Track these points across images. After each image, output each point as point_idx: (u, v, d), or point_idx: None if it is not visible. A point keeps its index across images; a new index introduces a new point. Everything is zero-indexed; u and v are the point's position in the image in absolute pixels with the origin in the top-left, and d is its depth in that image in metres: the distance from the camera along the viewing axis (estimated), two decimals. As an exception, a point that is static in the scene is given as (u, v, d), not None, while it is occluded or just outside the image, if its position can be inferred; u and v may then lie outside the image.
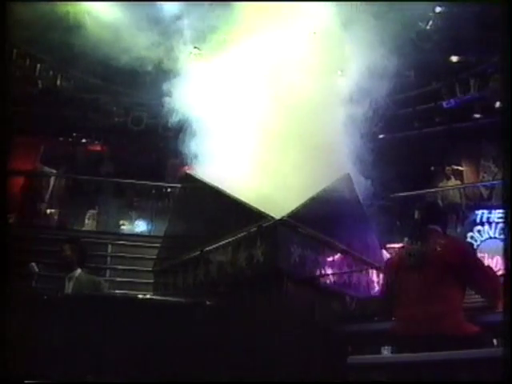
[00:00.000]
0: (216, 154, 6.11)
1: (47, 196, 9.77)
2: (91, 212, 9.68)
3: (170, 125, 9.60)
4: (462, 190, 9.66)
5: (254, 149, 6.00)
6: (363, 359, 3.40)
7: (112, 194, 9.79)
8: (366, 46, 6.04)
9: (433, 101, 9.90)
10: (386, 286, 3.51)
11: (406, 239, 8.57)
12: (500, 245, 6.93)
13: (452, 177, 9.98)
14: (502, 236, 7.64)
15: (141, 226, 9.96)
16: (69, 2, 7.81)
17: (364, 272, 5.38)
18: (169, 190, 9.96)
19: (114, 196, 9.86)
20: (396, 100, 9.65)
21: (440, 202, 9.58)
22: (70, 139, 11.10)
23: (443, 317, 3.02)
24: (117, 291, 6.69)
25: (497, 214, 8.10)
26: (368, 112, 6.57)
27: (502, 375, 2.59)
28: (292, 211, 4.45)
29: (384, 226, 6.75)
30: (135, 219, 10.05)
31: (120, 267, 8.04)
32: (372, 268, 5.53)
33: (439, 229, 3.35)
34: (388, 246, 7.47)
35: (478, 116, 9.68)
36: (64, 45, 8.10)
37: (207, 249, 4.96)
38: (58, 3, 7.70)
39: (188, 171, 5.96)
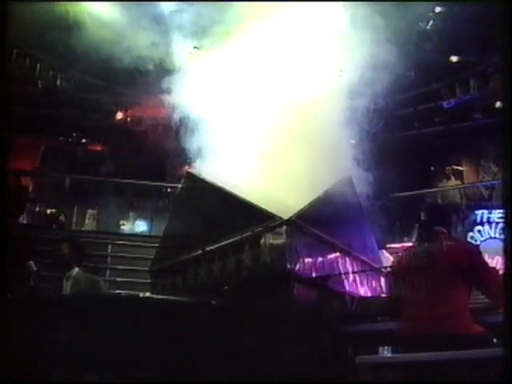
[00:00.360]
0: (216, 153, 6.10)
1: (47, 196, 9.77)
2: (91, 212, 9.69)
3: (170, 124, 9.64)
4: (461, 189, 9.66)
5: (254, 148, 6.00)
6: (371, 359, 3.43)
7: (112, 193, 9.79)
8: (366, 46, 6.03)
9: (433, 101, 9.90)
10: (393, 286, 3.53)
11: (405, 239, 8.64)
12: (500, 245, 6.92)
13: (452, 177, 9.99)
14: (502, 236, 7.64)
15: (141, 226, 9.97)
16: (69, 2, 7.81)
17: (366, 273, 5.39)
18: (169, 189, 9.96)
19: (114, 196, 9.86)
20: (396, 100, 9.66)
21: (440, 201, 9.61)
22: (70, 139, 11.11)
23: (450, 317, 3.06)
24: (117, 291, 6.68)
25: (497, 214, 8.10)
26: (368, 112, 6.57)
27: (502, 375, 2.60)
28: (299, 211, 4.42)
29: (384, 226, 6.75)
30: (135, 219, 10.05)
31: (120, 267, 8.04)
32: (372, 269, 5.54)
33: (444, 230, 3.39)
34: (388, 246, 7.47)
35: (478, 116, 9.68)
36: (64, 45, 8.09)
37: (209, 248, 4.93)
38: (58, 3, 7.70)
39: (189, 170, 5.93)
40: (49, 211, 9.69)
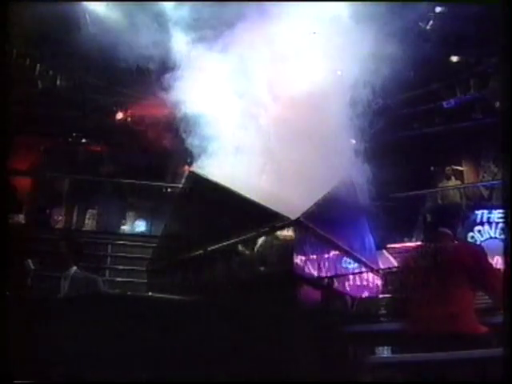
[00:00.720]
0: (217, 153, 6.10)
1: (47, 196, 9.77)
2: (91, 212, 9.68)
3: (171, 124, 9.63)
4: (461, 189, 9.66)
5: (256, 148, 6.01)
6: (378, 359, 3.45)
7: (112, 193, 9.79)
8: (366, 46, 6.03)
9: (433, 101, 9.89)
10: (399, 286, 3.59)
11: (405, 239, 8.64)
12: (500, 245, 6.92)
13: (452, 177, 9.98)
14: (502, 236, 7.64)
15: (141, 226, 9.96)
16: (69, 2, 7.81)
17: (368, 273, 5.42)
18: (169, 189, 9.96)
19: (114, 196, 9.85)
20: (396, 100, 9.66)
21: (445, 203, 9.60)
22: (70, 139, 11.09)
23: (456, 317, 3.12)
24: (117, 291, 6.66)
25: (497, 214, 8.09)
26: (368, 112, 6.56)
27: (502, 375, 2.60)
28: (305, 212, 4.42)
29: (384, 226, 6.74)
30: (135, 219, 10.05)
31: (120, 267, 8.03)
32: (377, 270, 5.58)
33: (449, 232, 3.44)
34: (388, 246, 7.47)
35: (478, 116, 9.67)
36: (64, 45, 8.10)
37: (211, 248, 4.91)
38: (58, 3, 7.69)
39: (192, 169, 5.91)
40: (48, 211, 9.68)
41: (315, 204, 4.59)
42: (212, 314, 3.69)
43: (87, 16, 7.92)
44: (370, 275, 5.54)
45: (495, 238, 7.93)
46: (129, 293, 4.02)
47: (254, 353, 3.70)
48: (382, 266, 6.39)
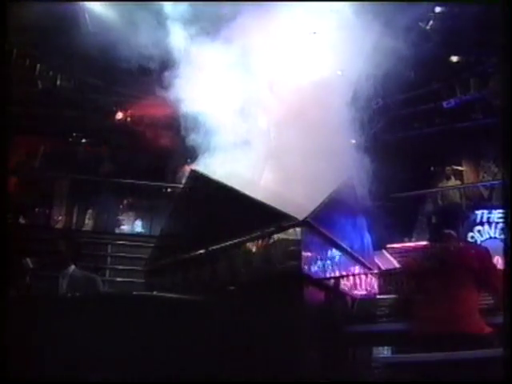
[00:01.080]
0: (217, 152, 6.10)
1: (47, 196, 9.77)
2: (91, 212, 9.68)
3: (171, 124, 9.63)
4: (461, 190, 9.66)
5: (256, 147, 6.01)
6: (384, 359, 3.48)
7: (112, 193, 9.79)
8: (366, 46, 6.03)
9: (433, 101, 9.89)
10: (406, 287, 3.65)
11: (405, 239, 8.63)
12: (500, 245, 6.91)
13: (452, 177, 9.98)
14: (502, 236, 7.64)
15: (141, 226, 9.96)
16: (69, 2, 7.81)
17: (368, 274, 5.44)
18: (169, 189, 9.97)
19: (114, 196, 9.86)
20: (396, 100, 9.66)
21: (440, 201, 9.61)
22: (70, 139, 11.10)
23: (463, 318, 3.18)
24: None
25: (497, 214, 8.08)
26: (368, 112, 6.56)
27: (502, 375, 2.61)
28: (312, 212, 4.41)
29: (384, 226, 6.74)
30: (135, 219, 10.05)
31: (120, 267, 8.04)
32: (382, 271, 5.61)
33: (454, 233, 3.49)
34: (388, 246, 7.47)
35: (478, 116, 9.67)
36: (64, 45, 8.10)
37: (213, 248, 4.88)
38: (58, 3, 7.69)
39: (193, 168, 5.87)
40: (48, 211, 9.68)
41: (321, 204, 4.58)
42: (218, 313, 3.69)
43: (87, 16, 7.92)
44: (374, 276, 5.54)
45: (495, 238, 7.93)
46: (135, 292, 3.99)
47: (259, 353, 3.71)
48: (382, 267, 6.40)
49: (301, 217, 4.27)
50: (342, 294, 4.62)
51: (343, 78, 6.16)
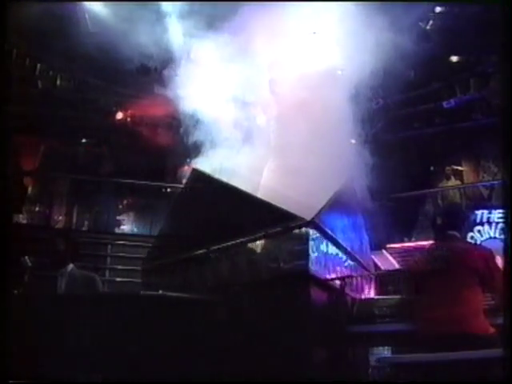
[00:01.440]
0: (217, 151, 6.10)
1: (47, 196, 9.77)
2: (91, 212, 9.67)
3: (171, 123, 9.64)
4: (461, 189, 9.66)
5: (255, 146, 6.01)
6: (386, 359, 3.56)
7: (112, 193, 9.79)
8: (366, 46, 6.03)
9: (433, 101, 9.89)
10: (411, 288, 3.66)
11: (405, 239, 8.61)
12: (500, 245, 6.92)
13: (452, 177, 9.98)
14: (502, 236, 7.64)
15: (141, 226, 9.96)
16: (69, 2, 7.81)
17: (369, 276, 5.46)
18: (169, 189, 9.97)
19: (114, 196, 9.86)
20: (396, 100, 9.66)
21: (440, 201, 9.61)
22: (70, 139, 11.09)
23: (468, 318, 3.23)
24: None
25: (497, 214, 8.09)
26: (368, 112, 6.56)
27: (502, 375, 2.62)
28: (318, 212, 4.40)
29: (384, 226, 6.75)
30: (135, 219, 10.05)
31: (120, 267, 8.03)
32: (387, 272, 5.63)
33: (458, 234, 3.55)
34: (388, 246, 7.47)
35: (478, 116, 9.68)
36: (64, 45, 8.10)
37: (215, 247, 4.86)
38: (58, 3, 7.69)
39: (195, 167, 5.84)
40: (48, 211, 9.67)
41: (326, 204, 4.57)
42: (224, 313, 3.69)
43: (87, 16, 7.91)
44: (377, 276, 5.55)
45: (495, 238, 7.93)
46: (142, 292, 3.97)
47: (264, 352, 3.72)
48: (382, 267, 6.40)
49: (306, 217, 4.26)
50: (347, 295, 4.63)
51: (343, 77, 6.15)
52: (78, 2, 7.92)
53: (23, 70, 9.05)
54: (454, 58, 9.28)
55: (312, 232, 4.27)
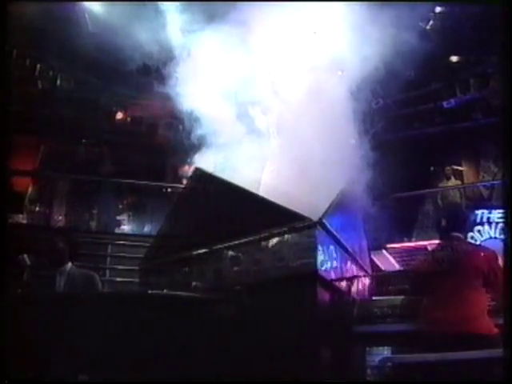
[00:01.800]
0: (218, 151, 6.10)
1: (47, 196, 9.77)
2: (91, 212, 9.67)
3: (172, 122, 9.64)
4: (461, 190, 9.66)
5: (255, 147, 6.01)
6: (387, 359, 3.57)
7: (112, 193, 9.79)
8: (366, 46, 6.03)
9: (433, 101, 9.89)
10: (416, 289, 3.72)
11: (405, 239, 8.60)
12: (500, 245, 6.92)
13: (452, 177, 9.99)
14: (502, 236, 7.64)
15: (140, 226, 9.95)
16: (69, 2, 7.81)
17: (374, 276, 5.49)
18: (169, 189, 9.97)
19: (114, 196, 9.86)
20: (396, 100, 9.65)
21: (440, 201, 9.61)
22: (70, 139, 11.09)
23: (474, 319, 3.28)
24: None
25: (497, 214, 8.09)
26: (368, 112, 6.56)
27: (503, 375, 2.62)
28: (325, 213, 4.40)
29: (384, 226, 6.74)
30: (135, 219, 10.04)
31: (120, 267, 8.03)
32: (393, 272, 5.65)
33: (461, 236, 3.64)
34: (388, 246, 7.47)
35: (478, 116, 9.67)
36: (64, 45, 8.10)
37: (218, 247, 4.83)
38: (58, 3, 7.69)
39: (198, 166, 5.82)
40: (48, 211, 9.67)
41: (331, 204, 4.57)
42: (230, 312, 3.69)
43: (87, 16, 7.91)
44: (382, 276, 5.57)
45: (495, 238, 7.93)
46: (150, 291, 3.95)
47: (269, 353, 3.72)
48: (382, 267, 6.40)
49: (311, 217, 4.26)
50: (353, 296, 4.64)
51: (344, 77, 6.15)
52: (78, 2, 7.92)
53: (23, 69, 9.04)
54: (454, 58, 9.28)
55: (319, 232, 4.27)
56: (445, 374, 3.09)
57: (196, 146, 6.33)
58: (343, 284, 4.59)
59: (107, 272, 8.07)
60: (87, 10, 7.94)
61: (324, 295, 4.26)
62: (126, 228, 9.87)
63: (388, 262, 6.66)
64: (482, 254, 3.51)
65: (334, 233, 4.60)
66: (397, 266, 6.67)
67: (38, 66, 9.30)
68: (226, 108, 6.38)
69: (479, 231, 8.14)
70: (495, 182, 9.16)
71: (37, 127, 9.82)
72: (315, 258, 4.15)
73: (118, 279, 7.79)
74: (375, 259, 6.46)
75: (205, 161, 6.06)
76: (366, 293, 5.22)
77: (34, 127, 9.61)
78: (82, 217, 9.61)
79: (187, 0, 7.05)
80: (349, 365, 4.11)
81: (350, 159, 5.67)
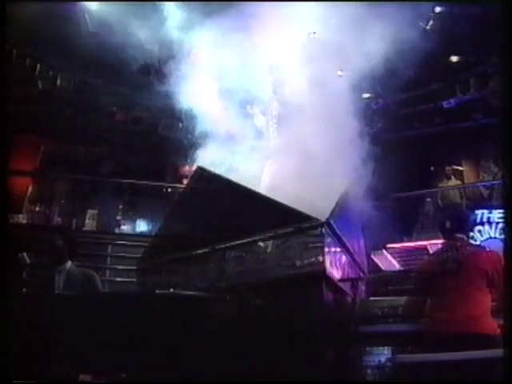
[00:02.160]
0: (218, 150, 6.10)
1: (47, 196, 9.77)
2: (91, 212, 9.67)
3: (171, 124, 9.64)
4: (461, 190, 9.66)
5: (255, 147, 6.01)
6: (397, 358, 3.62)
7: (112, 193, 9.79)
8: (366, 46, 6.04)
9: (433, 101, 9.89)
10: (421, 289, 3.72)
11: (405, 239, 8.59)
12: (500, 245, 6.92)
13: (452, 177, 9.99)
14: (502, 236, 7.64)
15: (141, 226, 9.95)
16: (69, 2, 7.81)
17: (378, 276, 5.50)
18: (169, 189, 9.97)
19: (114, 196, 9.85)
20: (396, 100, 9.66)
21: (440, 201, 9.61)
22: (70, 139, 11.09)
23: (478, 319, 3.33)
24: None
25: (497, 214, 8.09)
26: (368, 112, 6.56)
27: (503, 375, 2.63)
28: (331, 213, 4.40)
29: (384, 226, 6.74)
30: (135, 219, 10.04)
31: (120, 267, 8.02)
32: (399, 272, 5.65)
33: (465, 237, 3.71)
34: (388, 246, 7.47)
35: (478, 116, 9.67)
36: (64, 45, 8.10)
37: (220, 246, 4.82)
38: (58, 3, 7.69)
39: (200, 165, 5.81)
40: (48, 211, 9.66)
41: (336, 205, 4.57)
42: (239, 312, 3.68)
43: (87, 16, 7.92)
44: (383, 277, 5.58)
45: (495, 238, 7.94)
46: (157, 291, 3.94)
47: (273, 353, 3.72)
48: (382, 266, 6.41)
49: (318, 217, 4.26)
50: (354, 295, 4.64)
51: (344, 77, 6.16)
52: (78, 2, 7.92)
53: (23, 70, 9.04)
54: (454, 58, 9.28)
55: (326, 232, 4.27)
56: (446, 374, 3.11)
57: (196, 146, 6.33)
58: (346, 284, 4.60)
59: (107, 272, 8.07)
60: (87, 9, 7.94)
61: (329, 295, 4.27)
62: (125, 228, 9.87)
63: (388, 261, 6.66)
64: (486, 255, 3.56)
65: (339, 233, 4.60)
66: (397, 266, 6.67)
67: (38, 65, 9.29)
68: (226, 107, 6.39)
69: (479, 231, 8.14)
70: (495, 182, 9.16)
71: (37, 127, 9.82)
72: (323, 258, 4.16)
73: (118, 279, 7.78)
74: (375, 259, 6.46)
75: (205, 160, 6.06)
76: (367, 293, 5.22)
77: (33, 127, 9.61)
78: (82, 217, 9.60)
79: (187, 0, 7.06)
80: (349, 365, 4.11)
81: (350, 159, 5.67)
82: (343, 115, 5.89)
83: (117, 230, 9.53)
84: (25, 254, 4.49)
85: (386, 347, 4.03)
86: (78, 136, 11.03)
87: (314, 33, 6.23)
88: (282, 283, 4.28)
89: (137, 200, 10.17)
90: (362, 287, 5.25)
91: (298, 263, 4.25)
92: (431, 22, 8.07)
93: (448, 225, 3.72)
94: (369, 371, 4.03)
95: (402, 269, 6.46)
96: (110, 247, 8.38)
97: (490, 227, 8.09)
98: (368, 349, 4.06)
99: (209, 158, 6.08)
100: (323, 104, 5.77)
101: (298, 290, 4.18)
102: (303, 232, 4.31)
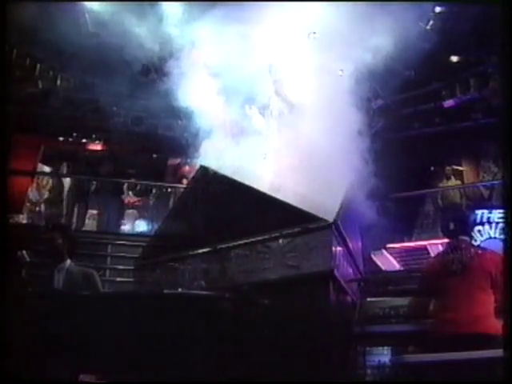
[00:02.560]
0: (219, 150, 6.10)
1: (47, 196, 9.77)
2: (91, 212, 9.67)
3: (171, 124, 9.63)
4: (461, 190, 9.66)
5: (255, 147, 6.01)
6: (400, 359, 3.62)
7: (112, 193, 9.79)
8: (366, 45, 6.04)
9: (433, 101, 9.89)
10: (426, 289, 3.78)
11: (405, 239, 8.59)
12: (500, 245, 6.92)
13: (452, 177, 9.98)
14: (502, 236, 7.64)
15: (141, 226, 9.95)
16: (68, 2, 7.81)
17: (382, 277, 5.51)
18: (169, 189, 9.97)
19: (114, 196, 9.86)
20: (396, 100, 9.66)
21: (440, 201, 9.61)
22: (70, 139, 11.09)
23: (483, 319, 3.39)
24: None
25: (497, 214, 8.09)
26: (368, 112, 6.56)
27: (503, 375, 2.64)
28: (338, 213, 4.40)
29: (384, 226, 6.74)
30: (135, 219, 10.04)
31: (120, 267, 8.02)
32: (402, 273, 5.68)
33: (468, 239, 3.75)
34: (388, 246, 7.47)
35: (478, 116, 9.67)
36: (64, 45, 8.09)
37: (223, 246, 4.81)
38: (58, 3, 7.69)
39: (203, 164, 5.80)
40: (48, 211, 9.67)
41: (341, 205, 4.57)
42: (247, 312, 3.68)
43: (87, 16, 7.92)
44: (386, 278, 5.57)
45: (495, 238, 7.93)
46: (165, 291, 3.93)
47: (279, 354, 3.73)
48: (382, 266, 6.41)
49: (327, 217, 4.26)
50: (356, 296, 4.65)
51: (344, 77, 6.15)
52: (78, 2, 7.93)
53: (23, 70, 9.04)
54: (454, 58, 9.29)
55: (333, 233, 4.27)
56: (447, 374, 3.13)
57: (196, 145, 6.33)
58: (349, 285, 4.61)
59: (107, 272, 8.06)
60: (87, 9, 7.94)
61: (335, 296, 4.27)
62: (126, 228, 9.87)
63: (388, 261, 6.66)
64: (490, 256, 3.61)
65: (344, 234, 4.61)
66: (397, 266, 6.68)
67: (38, 66, 9.30)
68: (226, 106, 6.39)
69: (479, 231, 8.13)
70: (495, 182, 9.15)
71: (37, 127, 9.82)
72: (330, 258, 4.16)
73: (118, 279, 7.78)
74: (375, 259, 6.47)
75: (205, 160, 6.06)
76: (368, 293, 5.21)
77: (33, 127, 9.61)
78: (82, 217, 9.60)
79: (188, 0, 7.05)
80: (352, 365, 4.12)
81: (350, 159, 5.67)
82: (343, 115, 5.89)
83: (117, 230, 9.53)
84: (24, 252, 4.47)
85: (383, 347, 4.05)
86: (78, 136, 11.05)
87: (314, 33, 6.23)
88: (287, 283, 4.28)
89: (137, 200, 10.18)
90: (364, 287, 5.25)
91: (303, 263, 4.25)
92: (431, 22, 8.07)
93: (452, 226, 3.77)
94: (369, 371, 4.05)
95: (402, 269, 6.46)
96: (109, 247, 8.37)
97: (490, 227, 8.09)
98: (368, 349, 4.07)
99: (209, 157, 6.08)
100: (323, 103, 5.78)
101: (304, 290, 4.18)
102: (310, 232, 4.30)
